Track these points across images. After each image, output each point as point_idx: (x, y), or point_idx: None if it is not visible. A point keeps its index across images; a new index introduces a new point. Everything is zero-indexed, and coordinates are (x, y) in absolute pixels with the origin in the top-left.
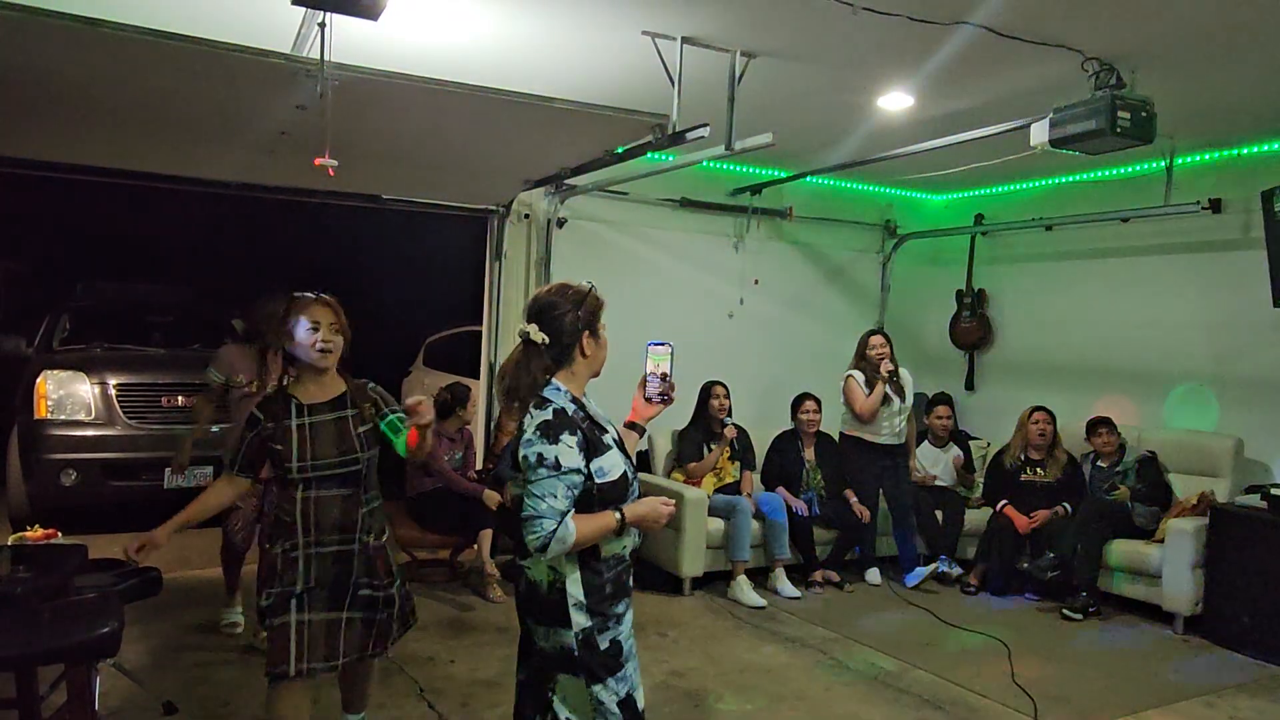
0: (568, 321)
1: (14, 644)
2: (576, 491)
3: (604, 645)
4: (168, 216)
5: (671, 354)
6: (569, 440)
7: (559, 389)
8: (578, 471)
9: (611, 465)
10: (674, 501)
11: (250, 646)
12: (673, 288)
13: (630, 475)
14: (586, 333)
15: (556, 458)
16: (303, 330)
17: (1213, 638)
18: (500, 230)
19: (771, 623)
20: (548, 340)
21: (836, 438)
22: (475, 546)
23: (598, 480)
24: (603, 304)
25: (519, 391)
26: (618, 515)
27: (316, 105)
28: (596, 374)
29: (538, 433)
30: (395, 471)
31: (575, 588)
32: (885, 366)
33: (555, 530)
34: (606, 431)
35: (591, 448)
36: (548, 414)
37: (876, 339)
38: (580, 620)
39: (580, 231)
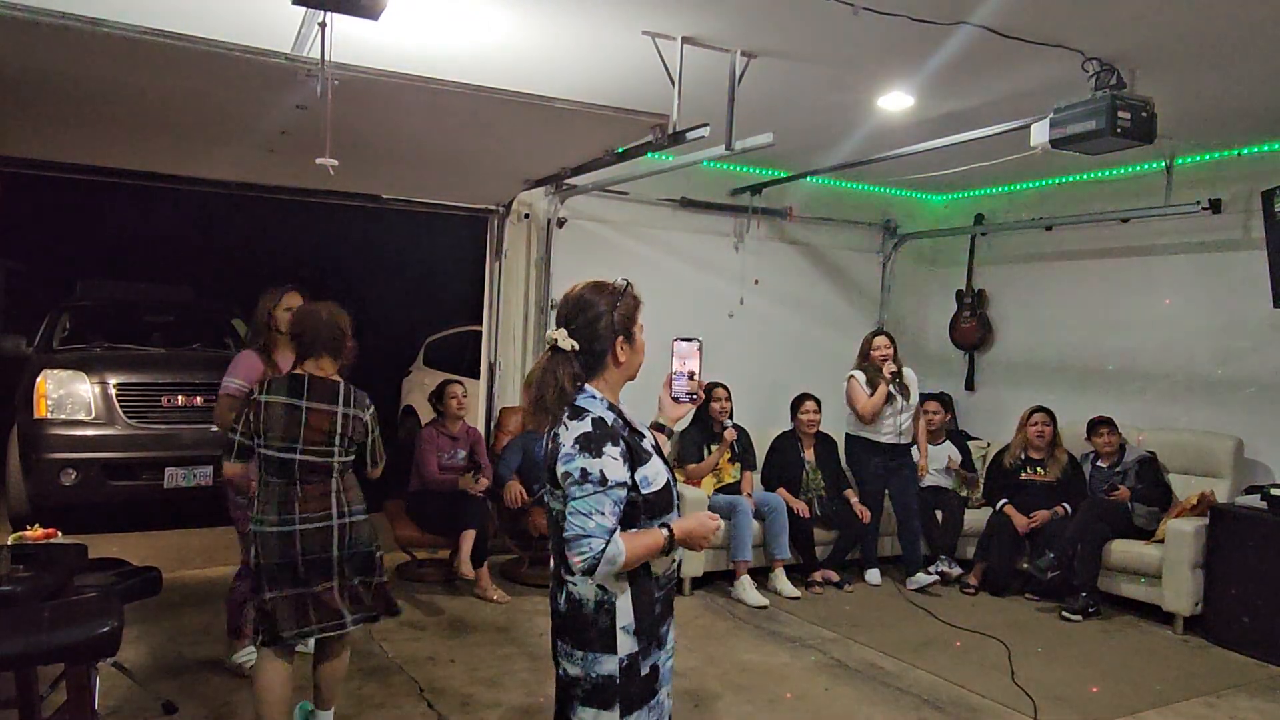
0: (602, 325)
1: (14, 644)
2: (622, 506)
3: (645, 671)
4: (168, 216)
5: (700, 349)
6: (612, 452)
7: (594, 396)
8: (623, 485)
9: (655, 474)
10: (719, 518)
11: None
12: (673, 288)
13: (672, 483)
14: (620, 338)
15: (601, 472)
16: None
17: (1213, 638)
18: (500, 230)
19: (771, 623)
20: (578, 346)
21: (839, 438)
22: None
23: (643, 491)
24: (639, 304)
25: (546, 402)
26: (666, 533)
27: (317, 105)
28: (632, 378)
29: (577, 446)
30: (396, 470)
31: (625, 608)
32: (888, 368)
33: (604, 550)
34: (645, 437)
35: (634, 457)
36: (586, 425)
37: (881, 340)
38: (627, 645)
39: (580, 231)
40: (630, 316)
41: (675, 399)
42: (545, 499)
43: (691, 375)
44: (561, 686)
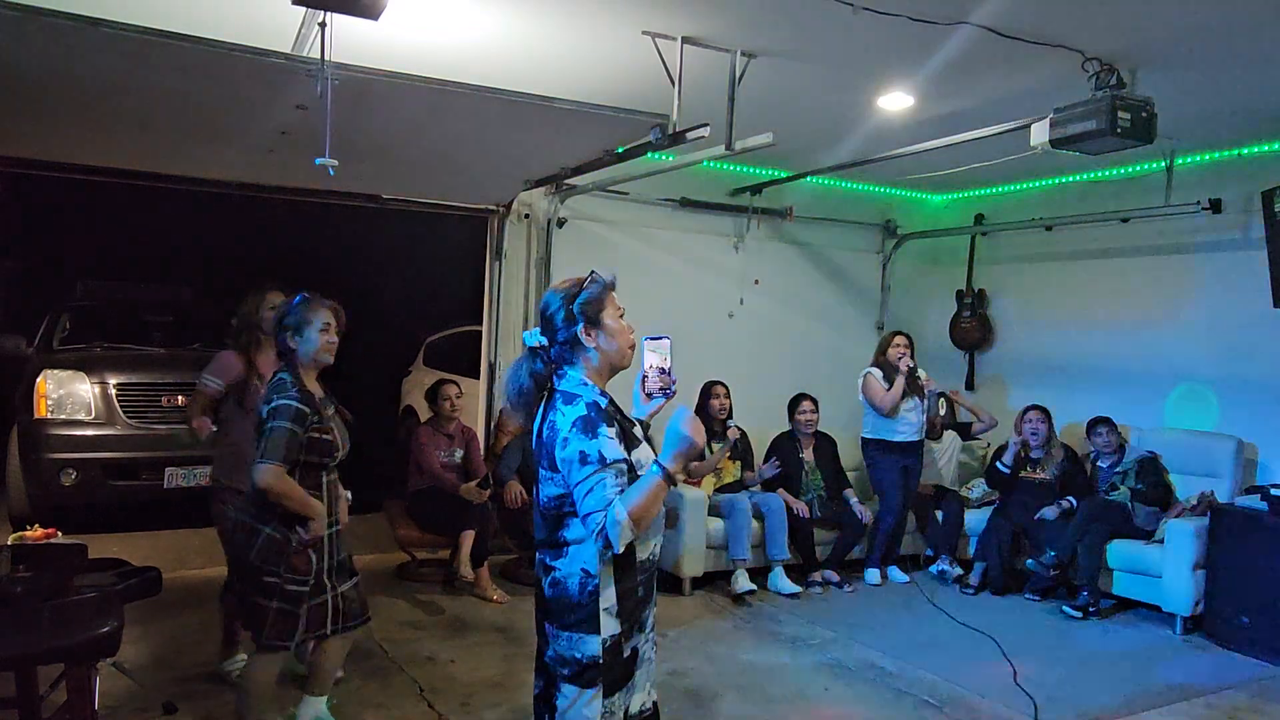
0: (561, 318)
1: (14, 644)
2: (625, 479)
3: (626, 653)
4: (168, 216)
5: (670, 347)
6: (608, 432)
7: (586, 383)
8: (622, 461)
9: (647, 457)
10: (696, 417)
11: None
12: (673, 288)
13: None
14: (584, 325)
15: (600, 451)
16: (316, 330)
17: (1213, 638)
18: (500, 230)
19: (771, 623)
20: (545, 342)
21: (838, 438)
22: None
23: (639, 473)
24: (602, 289)
25: (520, 396)
26: (656, 468)
27: (316, 105)
28: (623, 366)
29: (575, 430)
30: (396, 470)
31: (609, 591)
32: (905, 363)
33: (606, 518)
34: (635, 425)
35: (627, 440)
36: (580, 409)
37: (900, 339)
38: (610, 626)
39: (580, 231)
40: (595, 304)
41: (648, 394)
42: (537, 482)
43: (663, 371)
44: (546, 669)
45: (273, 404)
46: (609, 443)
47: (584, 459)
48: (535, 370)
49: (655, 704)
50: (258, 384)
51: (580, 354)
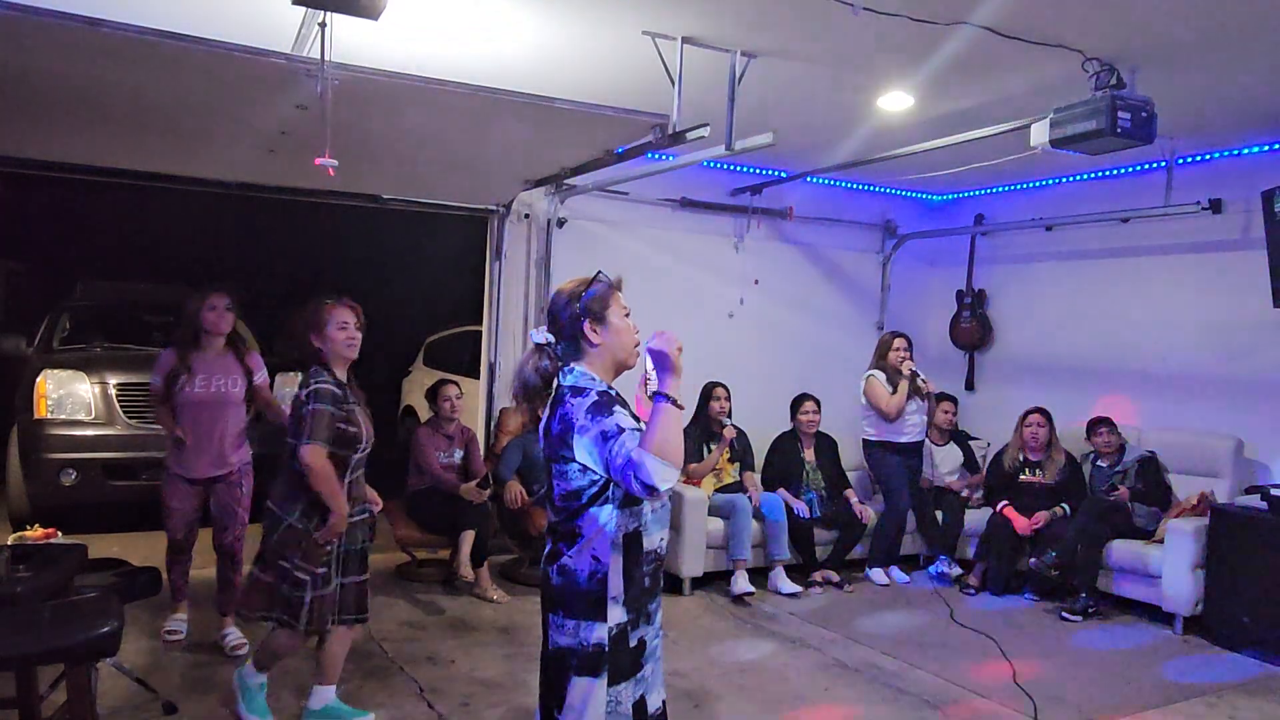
0: (567, 315)
1: (14, 644)
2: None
3: (633, 643)
4: (168, 216)
5: None
6: (620, 410)
7: (593, 378)
8: (637, 430)
9: None
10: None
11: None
12: (673, 288)
13: None
14: (589, 321)
15: (617, 425)
16: (335, 328)
17: (1213, 638)
18: (500, 230)
19: (771, 623)
20: (552, 339)
21: (839, 438)
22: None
23: None
24: (608, 288)
25: (528, 392)
26: (663, 401)
27: (317, 105)
28: (627, 365)
29: (589, 415)
30: (396, 470)
31: (616, 579)
32: (908, 366)
33: (632, 467)
34: (640, 422)
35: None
36: (593, 397)
37: (900, 341)
38: (616, 615)
39: (580, 231)
40: (601, 301)
41: (650, 397)
42: (551, 478)
43: None
44: (553, 662)
45: (310, 387)
46: (623, 416)
47: (605, 436)
48: (542, 367)
49: (664, 703)
50: (186, 377)
51: (586, 350)
